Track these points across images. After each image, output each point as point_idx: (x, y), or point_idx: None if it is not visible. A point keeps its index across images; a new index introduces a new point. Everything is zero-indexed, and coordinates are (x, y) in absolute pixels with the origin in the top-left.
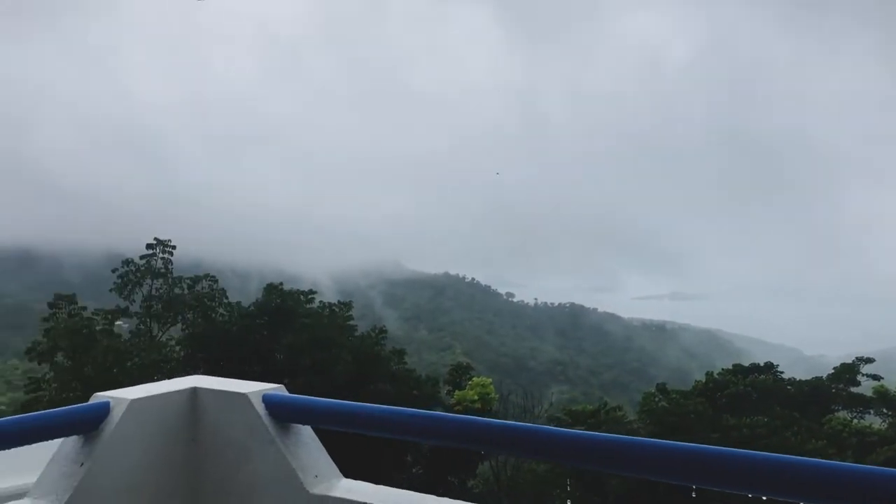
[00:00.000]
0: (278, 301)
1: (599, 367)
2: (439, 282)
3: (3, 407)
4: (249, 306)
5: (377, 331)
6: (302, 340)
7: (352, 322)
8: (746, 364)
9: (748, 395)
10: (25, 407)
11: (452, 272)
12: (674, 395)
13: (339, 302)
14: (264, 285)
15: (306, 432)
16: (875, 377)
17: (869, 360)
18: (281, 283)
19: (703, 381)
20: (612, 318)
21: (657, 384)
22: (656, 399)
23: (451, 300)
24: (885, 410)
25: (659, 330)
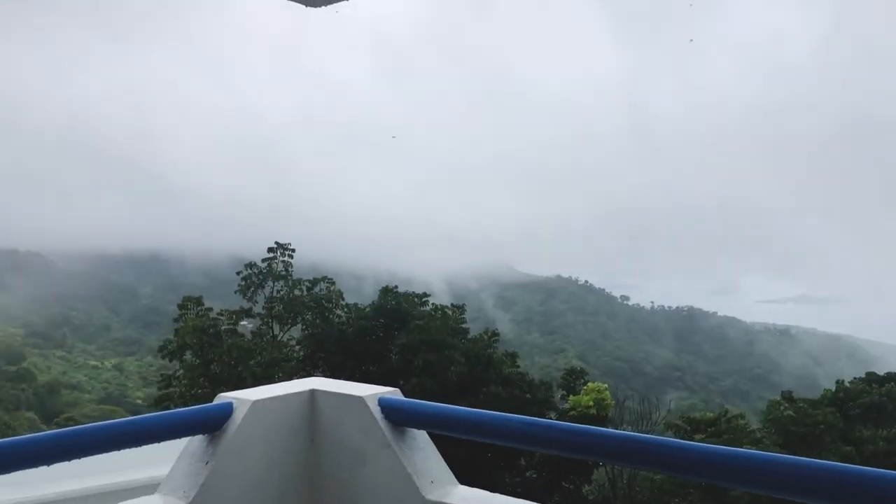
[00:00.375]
0: (393, 303)
1: (719, 373)
2: (551, 284)
3: (139, 401)
4: (365, 308)
5: (490, 334)
6: (415, 342)
7: (464, 325)
8: (881, 373)
9: (883, 406)
10: (158, 401)
11: (565, 274)
12: (801, 404)
13: (452, 305)
14: (378, 287)
15: (422, 437)
16: None
17: None
18: (396, 286)
19: (833, 389)
20: (733, 321)
21: (782, 392)
22: (782, 408)
23: (563, 303)
24: None
25: (783, 335)
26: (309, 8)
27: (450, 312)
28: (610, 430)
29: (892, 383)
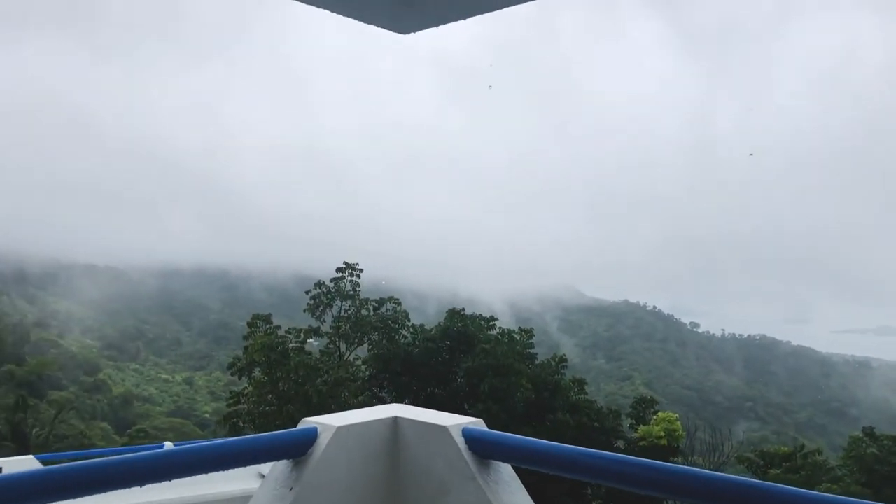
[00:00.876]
0: (460, 325)
1: (793, 405)
2: (618, 309)
3: (207, 415)
4: (431, 329)
5: (557, 359)
6: (482, 366)
7: (531, 350)
8: None
9: None
10: (226, 418)
11: (632, 300)
12: (885, 441)
13: (519, 329)
14: (443, 308)
15: (506, 470)
16: None
17: None
18: (463, 309)
19: None
20: (808, 351)
21: (863, 427)
22: (864, 444)
23: (630, 328)
24: None
25: (862, 367)
26: (399, 35)
27: (517, 337)
28: (700, 469)
29: None
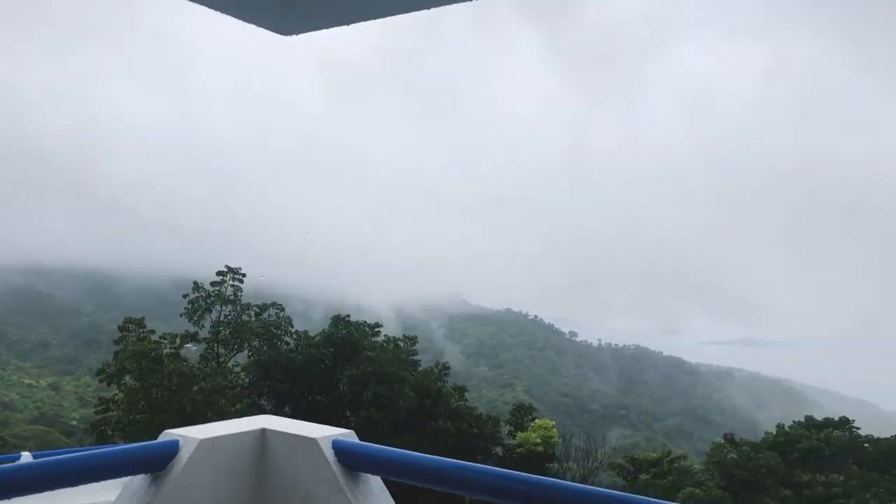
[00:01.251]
0: (345, 332)
1: (663, 413)
2: (501, 317)
3: (74, 422)
4: (315, 336)
5: (440, 367)
6: (365, 374)
7: (415, 357)
8: (819, 418)
9: (822, 451)
10: (94, 426)
11: (515, 308)
12: (743, 447)
13: (404, 336)
14: (328, 314)
15: (375, 482)
16: None
17: None
18: (348, 315)
19: (774, 433)
20: (678, 362)
21: (725, 434)
22: (725, 450)
23: (513, 337)
24: None
25: (726, 377)
26: (281, 36)
27: (401, 344)
28: (578, 484)
29: (830, 429)
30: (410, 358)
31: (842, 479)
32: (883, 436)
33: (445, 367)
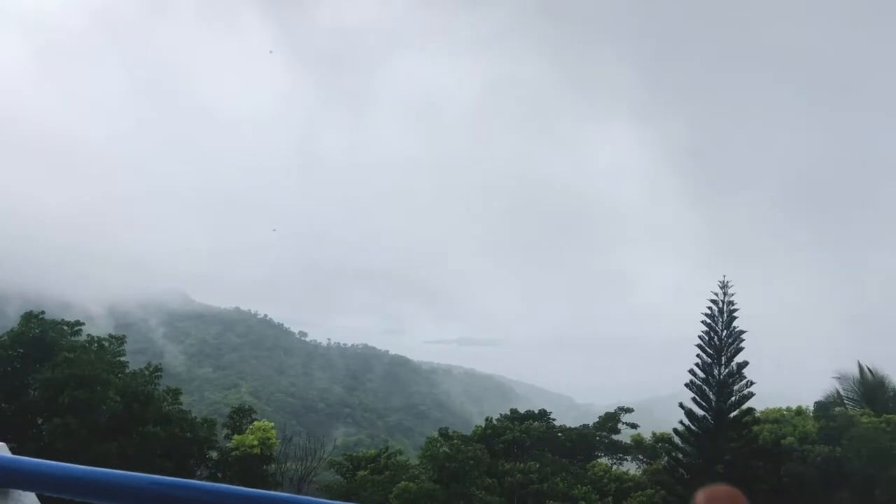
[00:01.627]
0: (38, 332)
1: (386, 410)
2: (228, 317)
3: None
4: (2, 336)
5: (151, 368)
6: (62, 376)
7: (123, 358)
8: (523, 410)
9: (523, 442)
10: None
11: (244, 307)
12: (455, 441)
13: (111, 336)
14: (25, 310)
15: (29, 500)
16: (633, 426)
17: (629, 410)
18: (42, 312)
19: (483, 426)
20: (402, 360)
21: (440, 429)
22: (438, 444)
23: (240, 337)
24: (640, 457)
25: (445, 374)
26: None
27: (107, 344)
28: (251, 490)
29: (531, 420)
30: (118, 359)
31: (537, 466)
32: (574, 425)
33: (158, 369)
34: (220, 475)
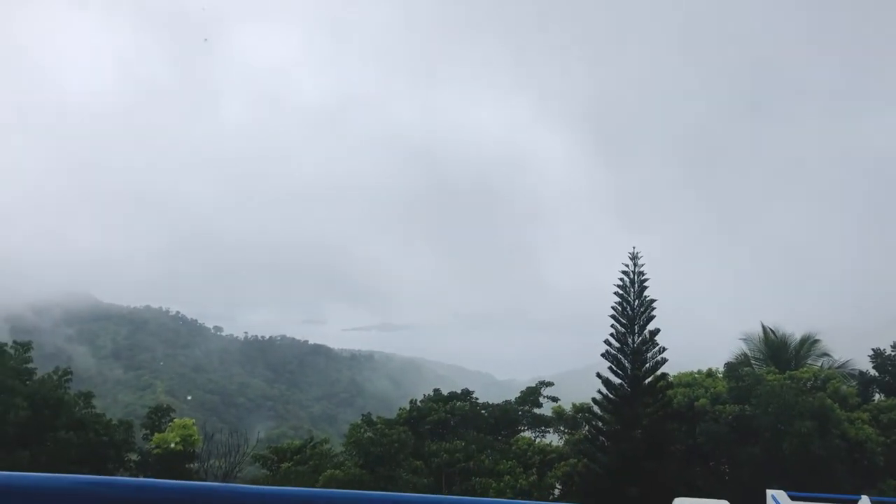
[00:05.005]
0: None
1: (309, 400)
2: (139, 315)
3: None
4: None
5: (61, 373)
6: None
7: (31, 365)
8: (446, 391)
9: (447, 422)
10: None
11: (155, 305)
12: (379, 425)
13: (15, 342)
14: None
15: None
16: (553, 398)
17: (549, 384)
18: None
19: (407, 409)
20: (322, 349)
21: (363, 415)
22: (362, 430)
23: (152, 335)
24: (562, 429)
25: (367, 360)
26: None
27: (11, 352)
28: (159, 480)
29: (455, 400)
30: (24, 366)
31: (463, 444)
32: (497, 402)
33: (67, 373)
34: (141, 477)
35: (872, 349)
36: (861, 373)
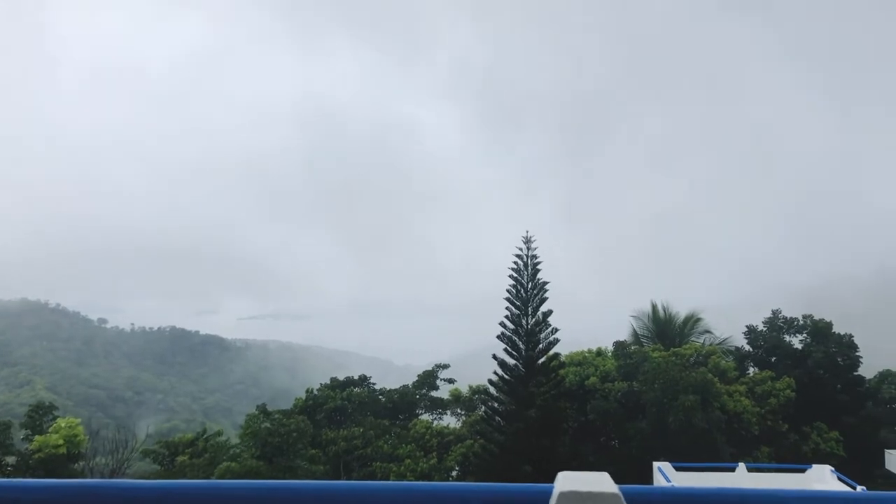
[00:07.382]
0: None
1: (202, 392)
2: (14, 309)
3: None
4: None
5: None
6: None
7: None
8: (343, 378)
9: (345, 409)
10: None
11: (33, 297)
12: (276, 416)
13: None
14: None
15: None
16: (451, 381)
17: (445, 366)
18: None
19: (304, 398)
20: (215, 340)
21: (258, 405)
22: (258, 420)
23: (30, 329)
24: (459, 411)
25: (262, 350)
26: None
27: None
28: (70, 480)
29: (352, 387)
30: None
31: (361, 430)
32: (394, 387)
33: None
34: None
35: (746, 326)
36: (737, 348)
